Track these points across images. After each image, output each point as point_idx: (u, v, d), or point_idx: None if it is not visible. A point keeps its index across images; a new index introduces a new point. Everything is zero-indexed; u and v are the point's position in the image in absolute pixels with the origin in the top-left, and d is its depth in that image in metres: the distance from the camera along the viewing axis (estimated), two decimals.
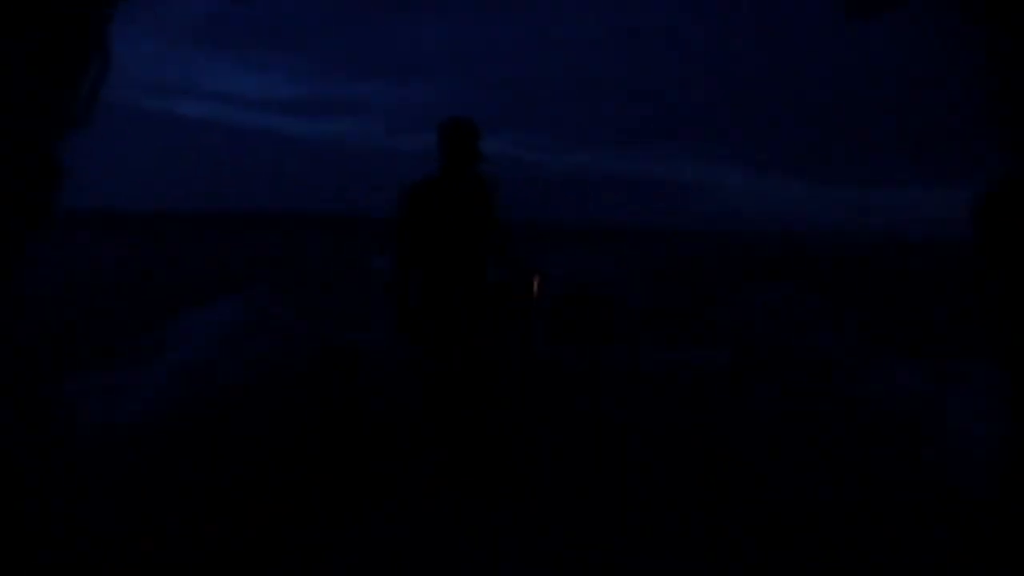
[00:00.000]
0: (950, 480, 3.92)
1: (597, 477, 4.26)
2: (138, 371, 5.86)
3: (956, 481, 3.88)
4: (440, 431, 4.05)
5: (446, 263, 4.02)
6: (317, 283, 9.67)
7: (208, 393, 5.73)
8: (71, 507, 4.00)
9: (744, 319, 9.77)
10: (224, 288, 8.79)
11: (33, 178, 2.85)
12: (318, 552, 3.41)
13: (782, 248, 32.65)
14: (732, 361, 6.67)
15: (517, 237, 4.29)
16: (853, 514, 3.63)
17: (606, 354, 6.18)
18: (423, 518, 3.73)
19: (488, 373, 4.16)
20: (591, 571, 3.19)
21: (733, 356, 6.91)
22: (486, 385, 4.14)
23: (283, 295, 8.70)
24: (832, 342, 8.50)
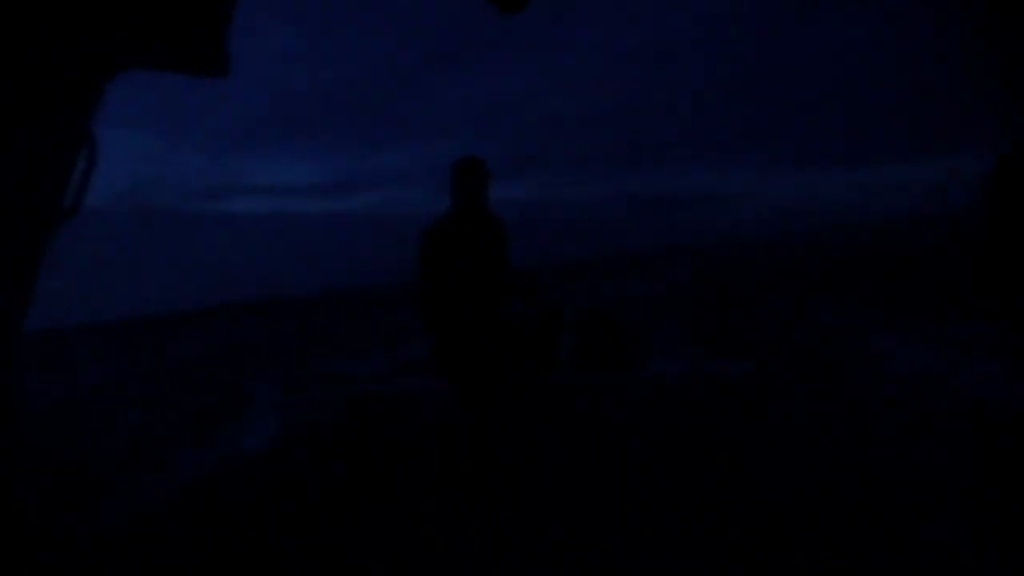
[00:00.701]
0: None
1: (597, 477, 4.26)
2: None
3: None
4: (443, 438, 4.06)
5: (467, 297, 4.05)
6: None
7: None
8: (71, 506, 4.01)
9: (763, 328, 9.80)
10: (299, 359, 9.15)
11: (21, 268, 2.93)
12: (318, 552, 3.41)
13: (797, 244, 32.51)
14: (749, 372, 6.72)
15: (533, 274, 4.43)
16: (853, 514, 3.63)
17: (627, 376, 6.25)
18: (423, 518, 3.73)
19: (493, 380, 4.17)
20: (591, 571, 3.19)
21: (754, 366, 6.95)
22: (490, 392, 4.15)
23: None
24: (846, 342, 8.51)
